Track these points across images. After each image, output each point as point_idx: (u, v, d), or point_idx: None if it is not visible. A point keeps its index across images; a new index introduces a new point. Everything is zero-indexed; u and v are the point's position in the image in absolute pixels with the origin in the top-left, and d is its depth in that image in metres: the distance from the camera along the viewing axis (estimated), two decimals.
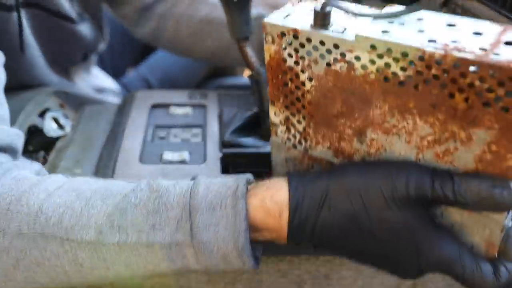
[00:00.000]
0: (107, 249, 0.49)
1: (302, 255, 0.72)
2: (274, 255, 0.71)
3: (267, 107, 0.77)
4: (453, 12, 0.82)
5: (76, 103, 0.84)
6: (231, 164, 0.73)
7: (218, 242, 0.48)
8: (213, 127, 0.81)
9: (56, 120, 0.80)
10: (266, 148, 0.74)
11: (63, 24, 0.86)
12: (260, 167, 0.73)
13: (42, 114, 0.79)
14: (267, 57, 0.53)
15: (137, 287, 0.72)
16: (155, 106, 0.87)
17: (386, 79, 0.46)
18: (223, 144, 0.75)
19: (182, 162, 0.73)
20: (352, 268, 0.73)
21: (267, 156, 0.73)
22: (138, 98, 0.89)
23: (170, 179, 0.68)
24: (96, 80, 1.09)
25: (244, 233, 0.47)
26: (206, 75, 1.31)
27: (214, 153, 0.75)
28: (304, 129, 0.56)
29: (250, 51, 0.74)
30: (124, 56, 1.39)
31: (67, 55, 0.93)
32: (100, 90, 1.09)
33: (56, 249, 0.49)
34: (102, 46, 1.01)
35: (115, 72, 1.31)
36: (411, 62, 0.44)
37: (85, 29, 0.92)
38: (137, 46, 1.39)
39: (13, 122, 0.71)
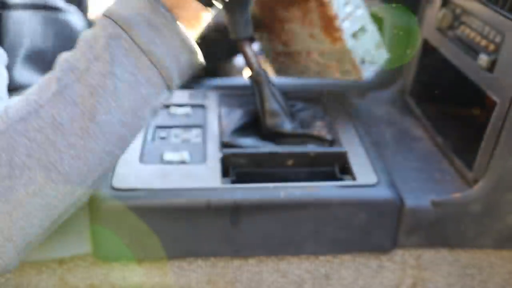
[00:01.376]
0: (71, 89, 0.51)
1: (302, 255, 0.72)
2: (275, 254, 0.72)
3: (267, 107, 0.77)
4: (453, 12, 0.82)
5: None
6: (231, 164, 0.73)
7: None
8: (213, 127, 0.82)
9: None
10: (266, 148, 0.74)
11: (56, 15, 0.84)
12: (260, 167, 0.73)
13: None
14: None
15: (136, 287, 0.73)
16: None
17: None
18: (223, 144, 0.76)
19: (182, 162, 0.73)
20: (352, 268, 0.73)
21: (267, 156, 0.73)
22: None
23: (170, 180, 0.69)
24: None
25: None
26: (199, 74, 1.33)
27: (214, 153, 0.75)
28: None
29: (250, 51, 0.75)
30: None
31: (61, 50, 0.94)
32: None
33: (35, 122, 0.50)
34: None
35: None
36: None
37: (74, 19, 0.91)
38: None
39: None
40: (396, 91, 1.01)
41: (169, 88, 0.56)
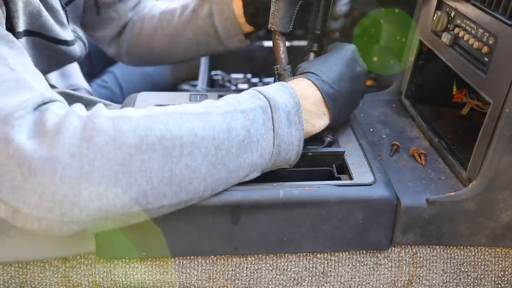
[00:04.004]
0: (216, 118, 0.61)
1: (301, 252, 0.73)
2: (274, 252, 0.73)
3: None
4: (448, 15, 0.83)
5: None
6: None
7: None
8: None
9: None
10: None
11: (60, 47, 0.89)
12: None
13: None
14: None
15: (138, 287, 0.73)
16: None
17: None
18: None
19: None
20: (349, 265, 0.75)
21: None
22: (139, 99, 0.90)
23: None
24: (70, 79, 1.13)
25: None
26: (185, 77, 1.39)
27: None
28: None
29: (282, 46, 0.76)
30: (100, 61, 1.45)
31: (55, 69, 1.00)
32: (75, 89, 1.13)
33: (177, 120, 0.59)
34: (83, 55, 1.06)
35: (93, 75, 1.39)
36: None
37: (77, 47, 0.96)
38: None
39: None
40: (392, 92, 1.03)
41: (263, 170, 0.67)
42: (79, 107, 0.57)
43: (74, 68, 1.20)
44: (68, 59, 0.96)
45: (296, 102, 0.67)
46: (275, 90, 0.68)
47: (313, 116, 0.72)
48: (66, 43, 0.90)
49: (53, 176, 0.52)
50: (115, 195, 0.54)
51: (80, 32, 1.02)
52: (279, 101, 0.66)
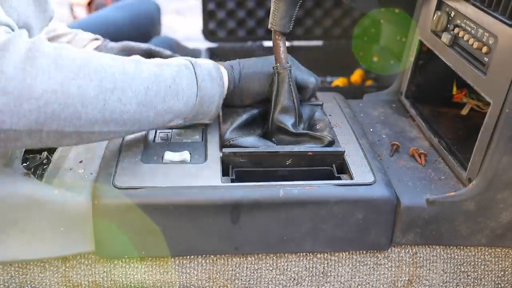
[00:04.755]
0: (147, 65, 0.68)
1: (301, 252, 0.73)
2: (274, 252, 0.73)
3: (281, 101, 0.78)
4: (448, 15, 0.84)
5: None
6: (231, 163, 0.74)
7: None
8: (213, 127, 0.83)
9: None
10: (265, 147, 0.75)
11: None
12: (260, 166, 0.75)
13: None
14: None
15: (138, 286, 0.74)
16: None
17: None
18: (223, 144, 0.77)
19: (183, 161, 0.74)
20: (349, 265, 0.75)
21: (266, 155, 0.74)
22: None
23: (171, 179, 0.70)
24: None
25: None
26: None
27: (214, 152, 0.76)
28: None
29: (282, 46, 0.77)
30: None
31: None
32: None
33: (111, 62, 0.64)
34: None
35: None
36: None
37: None
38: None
39: None
40: (392, 92, 1.03)
41: (185, 120, 0.73)
42: (25, 33, 0.61)
43: None
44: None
45: (215, 64, 0.78)
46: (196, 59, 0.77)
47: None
48: None
49: None
50: (52, 111, 0.58)
51: None
52: (200, 62, 0.76)
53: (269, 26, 0.76)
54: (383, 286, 0.76)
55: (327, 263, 0.74)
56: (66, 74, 0.59)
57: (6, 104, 0.56)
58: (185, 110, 0.71)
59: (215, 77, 0.75)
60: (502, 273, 0.77)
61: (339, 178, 0.73)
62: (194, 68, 0.73)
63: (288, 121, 0.78)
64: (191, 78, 0.72)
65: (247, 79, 0.81)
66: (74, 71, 0.59)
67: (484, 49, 0.71)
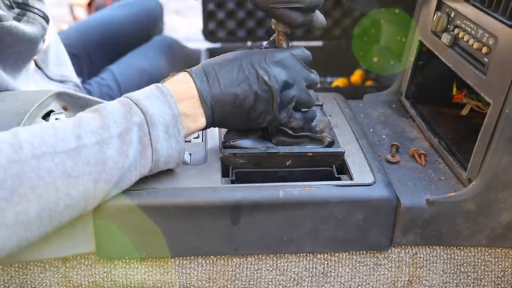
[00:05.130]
0: (89, 150, 0.59)
1: (301, 253, 0.73)
2: (274, 252, 0.73)
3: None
4: (448, 15, 0.84)
5: (79, 105, 0.85)
6: (231, 164, 0.74)
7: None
8: (213, 128, 0.83)
9: None
10: (265, 148, 0.75)
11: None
12: (259, 167, 0.75)
13: (46, 116, 0.81)
14: None
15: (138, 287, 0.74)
16: None
17: None
18: (223, 145, 0.77)
19: (183, 162, 0.74)
20: (349, 266, 0.75)
21: (266, 156, 0.74)
22: None
23: (171, 180, 0.70)
24: (63, 68, 1.13)
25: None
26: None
27: (214, 153, 0.76)
28: None
29: (286, 47, 0.76)
30: (100, 61, 1.46)
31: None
32: (65, 80, 1.13)
33: (48, 165, 0.56)
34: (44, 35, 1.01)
35: (93, 75, 1.41)
36: None
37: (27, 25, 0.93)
38: (111, 51, 1.49)
39: (18, 124, 0.73)
40: (392, 92, 1.03)
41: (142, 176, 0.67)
42: None
43: (67, 58, 1.19)
44: (24, 44, 0.92)
45: (175, 114, 0.66)
46: (153, 100, 0.65)
47: (188, 120, 0.69)
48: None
49: None
50: None
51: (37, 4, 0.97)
52: (156, 114, 0.64)
53: (273, 27, 0.76)
54: (383, 286, 0.76)
55: (327, 263, 0.74)
56: None
57: None
58: (140, 176, 0.66)
59: (172, 133, 0.66)
60: (502, 273, 0.77)
61: (339, 179, 0.73)
62: (148, 128, 0.64)
63: (288, 123, 0.78)
64: (145, 143, 0.64)
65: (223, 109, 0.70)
66: (6, 198, 0.54)
67: (484, 50, 0.71)
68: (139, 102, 0.65)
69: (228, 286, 0.74)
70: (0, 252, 0.56)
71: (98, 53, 1.45)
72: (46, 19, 0.98)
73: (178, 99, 0.67)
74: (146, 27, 1.66)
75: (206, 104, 0.69)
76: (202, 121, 0.70)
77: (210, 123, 0.71)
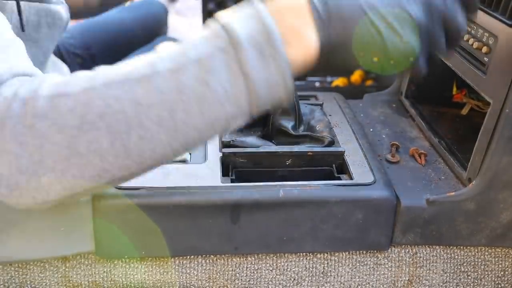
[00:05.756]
0: (162, 77, 0.52)
1: (301, 252, 0.73)
2: (273, 252, 0.73)
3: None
4: None
5: None
6: (231, 163, 0.74)
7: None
8: None
9: None
10: (265, 148, 0.75)
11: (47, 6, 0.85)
12: (259, 167, 0.75)
13: None
14: None
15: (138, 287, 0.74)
16: None
17: None
18: (223, 144, 0.77)
19: (183, 161, 0.74)
20: (349, 265, 0.75)
21: (266, 155, 0.74)
22: None
23: (171, 179, 0.70)
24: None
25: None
26: None
27: (214, 152, 0.76)
28: None
29: None
30: (103, 62, 1.46)
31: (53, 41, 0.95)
32: None
33: (117, 92, 0.51)
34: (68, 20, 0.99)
35: None
36: None
37: (62, 9, 0.92)
38: (115, 52, 1.48)
39: None
40: (392, 92, 1.03)
41: (250, 115, 0.54)
42: (28, 83, 0.54)
43: (63, 65, 1.19)
44: (59, 23, 0.90)
45: (269, 30, 0.52)
46: (241, 17, 0.54)
47: (290, 37, 0.54)
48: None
49: (10, 167, 0.52)
50: (73, 176, 0.52)
51: None
52: (243, 34, 0.52)
53: None
54: (383, 286, 0.76)
55: (327, 263, 0.74)
56: (69, 133, 0.51)
57: (28, 182, 0.52)
58: (240, 111, 0.53)
59: (268, 54, 0.52)
60: (502, 273, 0.77)
61: (339, 178, 0.73)
62: (235, 53, 0.52)
63: (288, 123, 0.78)
64: (234, 70, 0.52)
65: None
66: (77, 125, 0.51)
67: (484, 49, 0.71)
68: (225, 21, 0.54)
69: (228, 286, 0.74)
70: (83, 183, 0.53)
71: (102, 54, 1.45)
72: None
73: (273, 9, 0.54)
74: (151, 30, 1.66)
75: (317, 13, 0.54)
76: (311, 38, 0.54)
77: (327, 43, 0.55)
